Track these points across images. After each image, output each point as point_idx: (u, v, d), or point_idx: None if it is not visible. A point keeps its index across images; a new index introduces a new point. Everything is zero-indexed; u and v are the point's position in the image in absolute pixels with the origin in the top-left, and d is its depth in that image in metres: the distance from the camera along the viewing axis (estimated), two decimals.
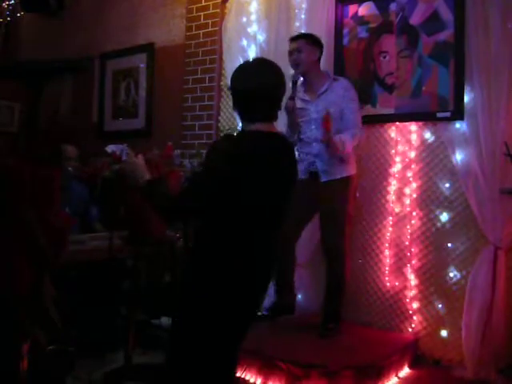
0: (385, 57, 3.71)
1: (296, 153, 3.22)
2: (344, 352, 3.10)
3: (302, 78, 3.49)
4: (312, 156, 3.40)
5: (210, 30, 4.61)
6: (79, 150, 4.35)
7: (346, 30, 3.86)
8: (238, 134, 2.23)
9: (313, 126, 3.41)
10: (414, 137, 3.59)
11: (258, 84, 2.06)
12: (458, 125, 3.40)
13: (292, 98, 3.35)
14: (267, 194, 2.02)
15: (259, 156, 2.00)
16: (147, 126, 5.07)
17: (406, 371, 3.27)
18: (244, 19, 4.32)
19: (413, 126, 3.60)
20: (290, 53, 3.49)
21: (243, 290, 2.01)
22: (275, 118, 2.15)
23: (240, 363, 2.30)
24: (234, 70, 2.18)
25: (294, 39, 3.51)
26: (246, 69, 2.19)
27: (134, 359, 3.37)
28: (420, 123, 3.58)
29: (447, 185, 3.46)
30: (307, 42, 3.47)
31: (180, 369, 2.03)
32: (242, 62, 4.26)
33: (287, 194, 2.12)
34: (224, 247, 2.00)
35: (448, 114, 3.43)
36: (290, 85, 3.43)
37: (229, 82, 2.18)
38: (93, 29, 5.55)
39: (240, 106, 2.12)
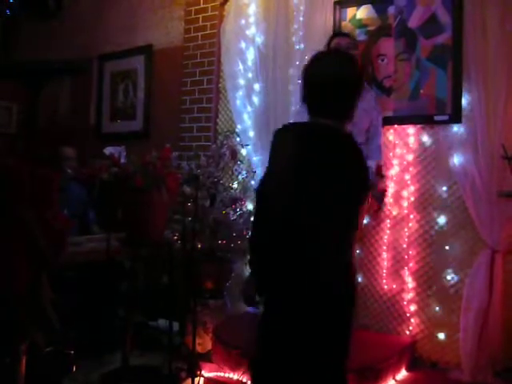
0: (383, 60, 3.72)
1: None
2: None
3: None
4: None
5: (208, 32, 4.61)
6: (78, 151, 4.35)
7: None
8: (293, 125, 2.15)
9: None
10: (411, 140, 3.60)
11: (325, 76, 1.94)
12: (455, 128, 3.41)
13: None
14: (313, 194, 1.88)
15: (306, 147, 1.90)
16: (145, 128, 5.07)
17: (403, 374, 3.28)
18: (242, 21, 4.32)
19: (410, 129, 3.61)
20: (338, 47, 3.40)
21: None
22: (345, 116, 1.99)
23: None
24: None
25: (339, 35, 3.49)
26: (318, 60, 2.03)
27: (132, 361, 3.37)
28: (418, 126, 3.59)
29: (445, 188, 3.47)
30: (355, 42, 3.49)
31: None
32: (240, 64, 4.30)
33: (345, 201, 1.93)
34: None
35: (446, 117, 3.44)
36: None
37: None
38: (91, 30, 5.55)
39: (306, 98, 2.00)
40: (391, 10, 3.69)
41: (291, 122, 2.21)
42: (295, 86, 3.95)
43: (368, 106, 3.39)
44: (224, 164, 3.97)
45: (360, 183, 1.99)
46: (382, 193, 3.47)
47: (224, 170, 4.04)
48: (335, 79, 1.93)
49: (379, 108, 3.51)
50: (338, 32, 3.54)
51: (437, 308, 3.45)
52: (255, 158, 4.14)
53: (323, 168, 1.89)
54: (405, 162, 3.61)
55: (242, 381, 3.09)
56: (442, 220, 3.47)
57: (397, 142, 3.66)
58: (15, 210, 2.10)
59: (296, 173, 1.89)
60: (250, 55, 4.25)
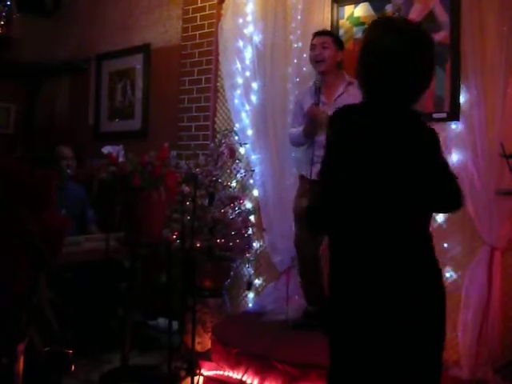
0: None
1: (310, 155, 3.22)
2: None
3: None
4: None
5: (206, 31, 4.60)
6: (76, 150, 4.35)
7: (341, 31, 3.86)
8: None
9: None
10: None
11: (373, 50, 1.66)
12: (453, 125, 3.40)
13: (317, 103, 3.30)
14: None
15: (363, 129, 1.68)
16: (143, 127, 5.07)
17: None
18: (240, 20, 4.31)
19: None
20: (313, 47, 3.45)
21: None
22: (400, 101, 1.72)
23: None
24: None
25: (319, 34, 3.49)
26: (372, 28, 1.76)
27: (131, 360, 3.38)
28: None
29: None
30: (334, 39, 3.47)
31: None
32: (238, 63, 4.29)
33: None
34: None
35: (444, 115, 3.43)
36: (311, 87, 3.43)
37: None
38: (89, 29, 5.55)
39: (359, 78, 1.74)
40: (389, 7, 3.68)
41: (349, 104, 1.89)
42: (293, 85, 3.95)
43: (353, 99, 3.35)
44: (222, 163, 3.97)
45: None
46: None
47: (222, 168, 4.04)
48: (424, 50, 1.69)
49: None
50: (318, 31, 3.53)
51: None
52: (254, 157, 4.14)
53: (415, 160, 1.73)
54: None
55: (241, 380, 3.09)
56: (440, 218, 3.45)
57: None
58: (14, 210, 2.10)
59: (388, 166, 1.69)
60: (248, 54, 4.24)
